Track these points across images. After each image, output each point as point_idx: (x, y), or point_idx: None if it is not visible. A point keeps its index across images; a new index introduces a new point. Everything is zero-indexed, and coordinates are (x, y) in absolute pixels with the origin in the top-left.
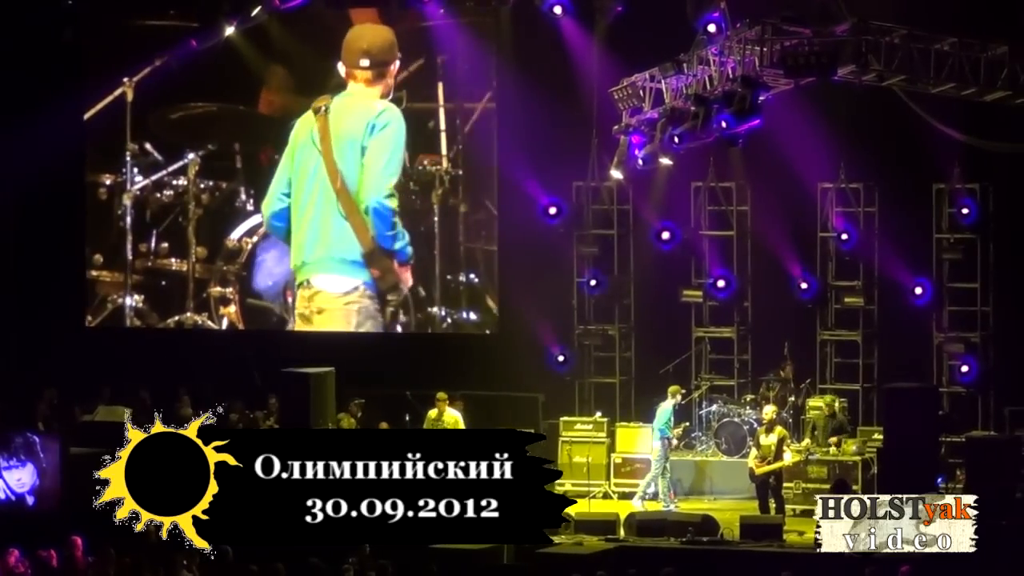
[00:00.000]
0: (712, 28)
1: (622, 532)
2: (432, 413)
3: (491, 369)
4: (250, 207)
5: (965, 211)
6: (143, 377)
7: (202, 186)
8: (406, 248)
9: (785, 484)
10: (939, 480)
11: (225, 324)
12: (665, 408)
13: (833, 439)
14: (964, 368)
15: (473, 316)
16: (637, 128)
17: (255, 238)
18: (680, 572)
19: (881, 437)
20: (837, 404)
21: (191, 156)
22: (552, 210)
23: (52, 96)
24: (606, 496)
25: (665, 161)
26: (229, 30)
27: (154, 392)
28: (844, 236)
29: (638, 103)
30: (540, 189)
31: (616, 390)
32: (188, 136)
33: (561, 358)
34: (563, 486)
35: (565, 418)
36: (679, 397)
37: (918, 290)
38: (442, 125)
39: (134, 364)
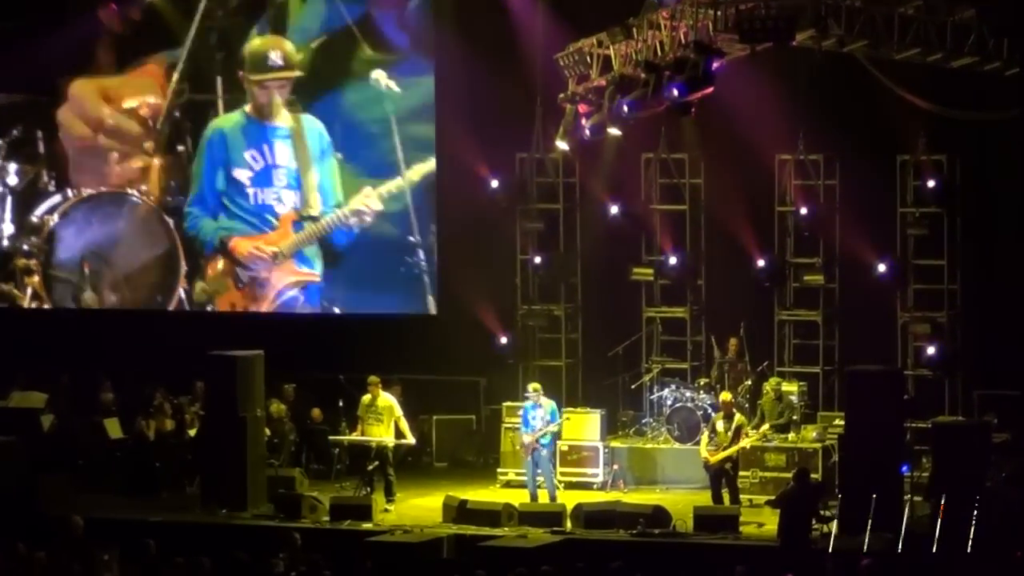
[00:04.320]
0: None
1: (569, 524)
2: (365, 398)
3: (430, 351)
4: (51, 188)
5: (931, 184)
6: (63, 361)
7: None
8: None
9: (741, 473)
10: (904, 468)
11: (29, 293)
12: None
13: (764, 427)
14: (930, 350)
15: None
16: (584, 97)
17: (56, 216)
18: (630, 566)
19: (843, 423)
20: (784, 386)
21: None
22: (494, 183)
23: None
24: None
25: (614, 131)
26: None
27: (74, 376)
28: (803, 210)
29: (585, 70)
30: (481, 161)
31: (562, 374)
32: None
33: (503, 340)
34: (506, 475)
35: (508, 403)
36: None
37: (881, 267)
38: None
39: (56, 348)
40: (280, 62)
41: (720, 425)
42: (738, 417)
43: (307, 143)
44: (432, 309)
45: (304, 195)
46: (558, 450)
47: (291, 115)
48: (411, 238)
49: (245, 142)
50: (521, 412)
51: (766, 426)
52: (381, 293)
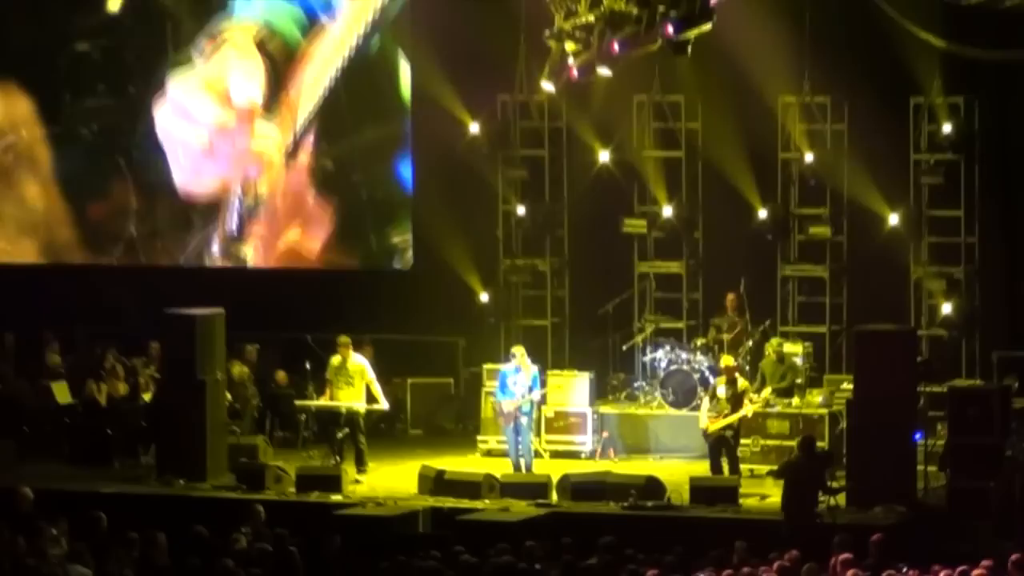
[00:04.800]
0: None
1: (555, 496)
2: (335, 360)
3: (404, 309)
4: None
5: (947, 128)
6: (6, 320)
7: None
8: None
9: (742, 441)
10: (917, 436)
11: None
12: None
13: (765, 391)
14: (946, 308)
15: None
16: (571, 34)
17: None
18: (621, 541)
19: (851, 387)
20: (787, 347)
21: None
22: (473, 128)
23: None
24: (536, 455)
25: (604, 72)
26: None
27: (19, 336)
28: (808, 157)
29: (573, 5)
30: (460, 104)
31: (547, 334)
32: None
33: (484, 297)
34: (486, 443)
35: (489, 366)
36: (517, 358)
37: (893, 219)
38: None
39: None
40: None
41: (722, 391)
42: (742, 382)
43: None
44: (407, 263)
45: None
46: (543, 416)
47: None
48: None
49: None
50: (498, 375)
51: (768, 391)
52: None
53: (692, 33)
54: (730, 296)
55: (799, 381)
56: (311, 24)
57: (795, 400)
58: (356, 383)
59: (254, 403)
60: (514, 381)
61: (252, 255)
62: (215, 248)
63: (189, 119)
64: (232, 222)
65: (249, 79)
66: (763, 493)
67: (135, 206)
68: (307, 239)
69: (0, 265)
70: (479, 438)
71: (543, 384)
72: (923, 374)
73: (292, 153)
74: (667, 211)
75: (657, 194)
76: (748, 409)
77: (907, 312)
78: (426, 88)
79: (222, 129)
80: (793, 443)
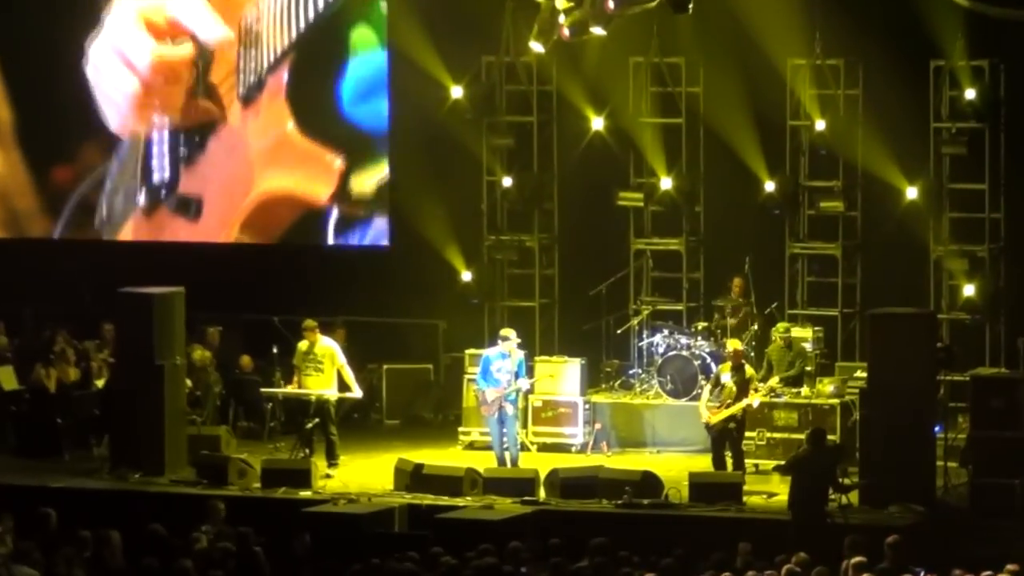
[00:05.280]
0: None
1: (542, 493)
2: (302, 345)
3: (379, 289)
4: None
5: (970, 94)
6: None
7: None
8: None
9: (746, 433)
10: (937, 429)
11: None
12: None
13: (772, 380)
14: (968, 289)
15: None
16: None
17: None
18: (614, 542)
19: (865, 375)
20: (795, 332)
21: None
22: (456, 92)
23: None
24: (523, 448)
25: (597, 31)
26: None
27: None
28: (820, 125)
29: None
30: (441, 66)
31: (535, 316)
32: None
33: (467, 276)
34: (469, 435)
35: (471, 351)
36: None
37: (911, 192)
38: None
39: None
40: None
41: (726, 378)
42: (748, 370)
43: None
44: (383, 240)
45: None
46: (530, 406)
47: None
48: None
49: None
50: (481, 361)
51: (775, 379)
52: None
53: None
54: (737, 281)
55: (809, 369)
56: None
57: (804, 389)
58: (326, 369)
59: (216, 390)
60: (498, 367)
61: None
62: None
63: (125, 57)
64: (163, 169)
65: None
66: (769, 491)
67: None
68: (306, 183)
69: None
70: (460, 429)
71: (529, 372)
72: (943, 361)
73: (256, 90)
74: (666, 183)
75: (655, 164)
76: (753, 398)
77: (926, 294)
78: (403, 48)
79: (161, 66)
80: (802, 436)
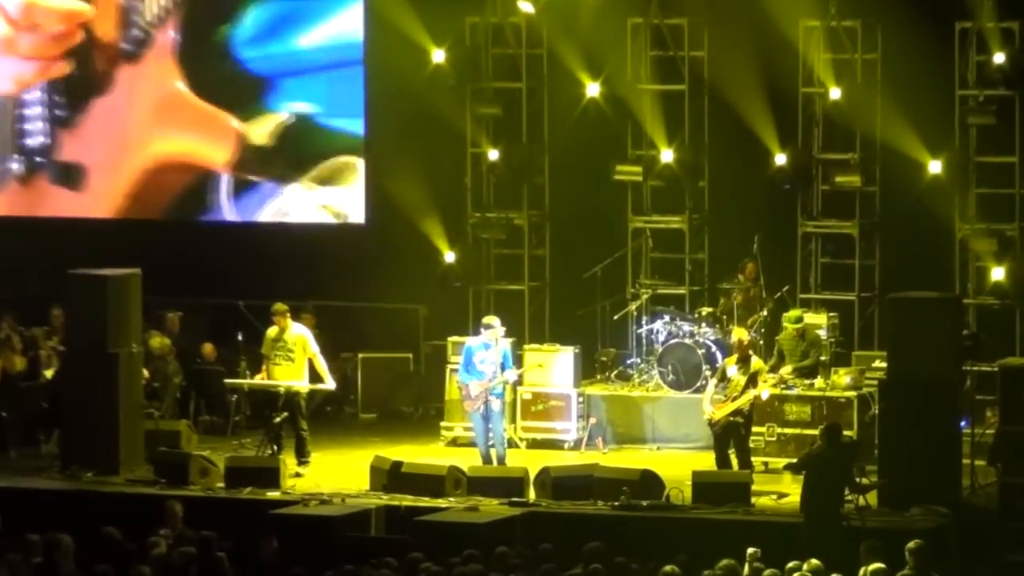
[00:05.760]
0: None
1: (532, 493)
2: (271, 332)
3: (355, 271)
4: None
5: (998, 59)
6: None
7: None
8: None
9: (754, 429)
10: (963, 423)
11: None
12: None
13: (785, 370)
14: (996, 272)
15: (332, 200)
16: None
17: None
18: (611, 547)
19: (884, 365)
20: (824, 320)
21: None
22: (437, 55)
23: None
24: (511, 444)
25: None
26: None
27: None
28: (835, 92)
29: None
30: (421, 27)
31: (524, 300)
32: None
33: (449, 257)
34: (451, 431)
35: (454, 338)
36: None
37: (935, 166)
38: None
39: None
40: None
41: (732, 371)
42: (755, 362)
43: None
44: (359, 217)
45: None
46: (518, 399)
47: None
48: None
49: None
50: (463, 351)
51: (787, 369)
52: None
53: None
54: (749, 265)
55: (824, 359)
56: None
57: (818, 381)
58: (297, 358)
59: (176, 381)
60: (481, 358)
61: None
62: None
63: None
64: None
65: None
66: (779, 491)
67: None
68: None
69: None
70: (442, 424)
71: (518, 361)
72: (969, 350)
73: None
74: (667, 155)
75: (655, 135)
76: (761, 389)
77: (951, 276)
78: (379, 8)
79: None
80: (815, 431)
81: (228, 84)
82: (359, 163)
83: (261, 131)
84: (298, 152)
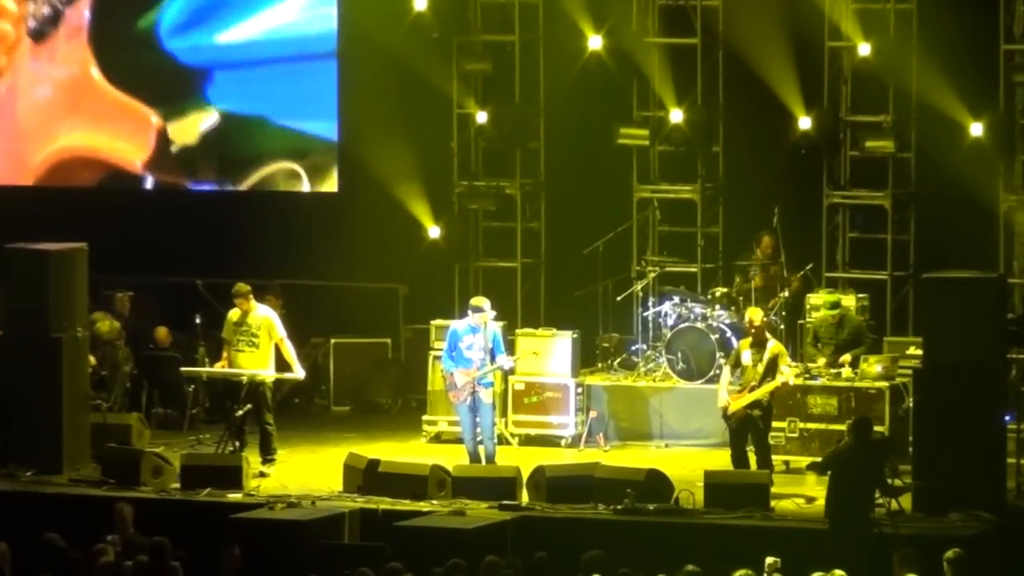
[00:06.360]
0: None
1: (525, 496)
2: (233, 314)
3: (327, 247)
4: None
5: None
6: None
7: None
8: None
9: (775, 424)
10: (1008, 417)
11: None
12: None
13: (845, 357)
14: None
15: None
16: None
17: None
18: (613, 556)
19: (919, 352)
20: (852, 301)
21: None
22: (419, 5)
23: None
24: (501, 441)
25: None
26: None
27: None
28: (865, 47)
29: None
30: None
31: (517, 279)
32: None
33: (433, 231)
34: (435, 425)
35: (438, 322)
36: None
37: (976, 129)
38: None
39: None
40: None
41: (747, 356)
42: (774, 345)
43: None
44: (332, 185)
45: None
46: (510, 389)
47: None
48: None
49: None
50: (447, 335)
51: (822, 361)
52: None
53: None
54: (765, 239)
55: (861, 348)
56: None
57: (846, 370)
58: (262, 344)
59: (126, 369)
60: (468, 344)
61: None
62: None
63: None
64: None
65: None
66: (802, 493)
67: None
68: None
69: None
70: (425, 418)
71: (509, 348)
72: (1015, 335)
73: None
74: (676, 116)
75: (663, 94)
76: (788, 376)
77: (994, 253)
78: None
79: None
80: (843, 427)
81: (150, 73)
82: (302, 172)
83: (187, 129)
84: (232, 155)
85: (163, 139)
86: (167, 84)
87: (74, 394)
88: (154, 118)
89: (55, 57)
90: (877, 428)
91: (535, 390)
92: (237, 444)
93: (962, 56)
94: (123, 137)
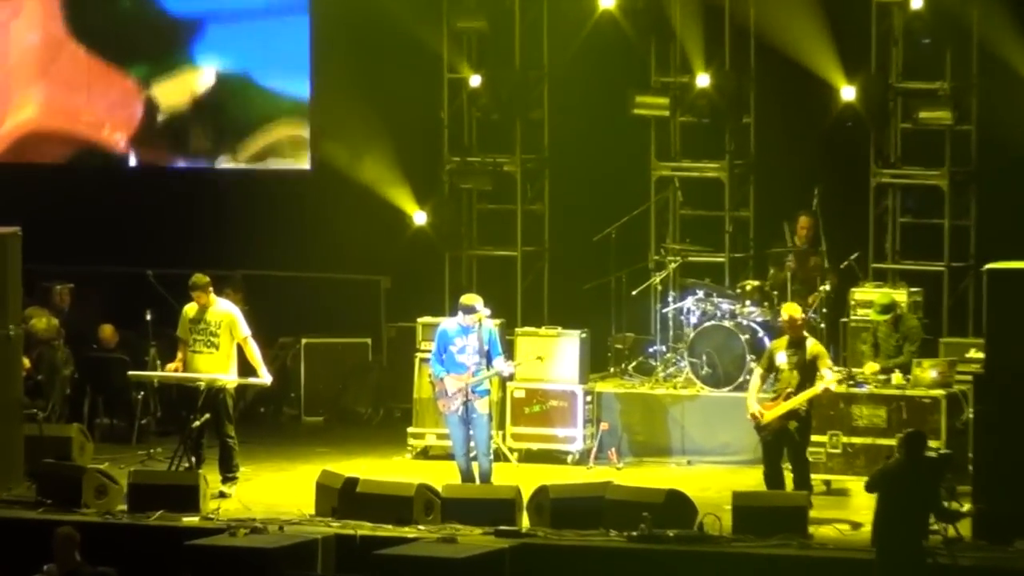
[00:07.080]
0: None
1: (526, 520)
2: (189, 309)
3: (299, 233)
4: None
5: None
6: None
7: None
8: None
9: (814, 437)
10: None
11: None
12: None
13: (896, 360)
14: None
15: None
16: None
17: None
18: None
19: (981, 356)
20: (904, 296)
21: None
22: None
23: None
24: (497, 457)
25: None
26: None
27: None
28: (918, 1)
29: None
30: None
31: (516, 270)
32: None
33: (420, 215)
34: (421, 438)
35: (425, 319)
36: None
37: None
38: None
39: None
40: None
41: (782, 358)
42: (812, 345)
43: None
44: (304, 162)
45: None
46: (508, 398)
47: None
48: None
49: None
50: (436, 335)
51: (874, 365)
52: None
53: None
54: (801, 220)
55: (913, 349)
56: None
57: (895, 376)
58: (222, 344)
59: (66, 373)
60: (460, 346)
61: None
62: None
63: None
64: None
65: None
66: (846, 518)
67: None
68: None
69: None
70: (410, 431)
71: (508, 350)
72: None
73: None
74: (702, 81)
75: (688, 57)
76: (830, 382)
77: None
78: None
79: None
80: (893, 441)
81: (131, 30)
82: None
83: (174, 91)
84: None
85: (149, 105)
86: (151, 39)
87: (5, 402)
88: (132, 80)
89: (19, 14)
90: (932, 443)
91: (537, 398)
92: (193, 460)
93: None
94: (100, 106)
